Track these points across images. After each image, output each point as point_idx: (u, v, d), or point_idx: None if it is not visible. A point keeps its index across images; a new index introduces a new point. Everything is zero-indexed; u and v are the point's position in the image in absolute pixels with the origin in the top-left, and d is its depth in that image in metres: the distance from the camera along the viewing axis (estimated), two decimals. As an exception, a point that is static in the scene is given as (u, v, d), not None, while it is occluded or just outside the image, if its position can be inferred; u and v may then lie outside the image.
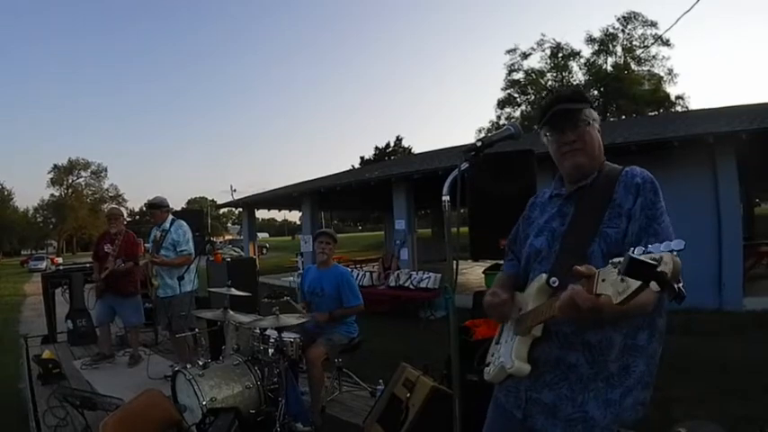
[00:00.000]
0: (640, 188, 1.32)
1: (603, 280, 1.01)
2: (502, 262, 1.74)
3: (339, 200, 15.35)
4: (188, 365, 3.16)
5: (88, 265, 6.10)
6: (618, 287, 0.95)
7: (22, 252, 54.32)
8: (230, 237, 48.27)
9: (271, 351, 3.12)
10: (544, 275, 1.34)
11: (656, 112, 26.82)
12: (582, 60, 31.82)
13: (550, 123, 1.45)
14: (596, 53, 31.17)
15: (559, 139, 1.44)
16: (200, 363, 3.11)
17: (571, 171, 1.45)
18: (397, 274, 9.54)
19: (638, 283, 0.91)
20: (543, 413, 1.35)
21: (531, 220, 1.58)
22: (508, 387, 1.46)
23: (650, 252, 0.91)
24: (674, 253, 0.90)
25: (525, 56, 32.26)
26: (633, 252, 0.92)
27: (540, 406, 1.36)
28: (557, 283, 1.30)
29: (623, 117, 26.58)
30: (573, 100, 1.44)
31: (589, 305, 1.05)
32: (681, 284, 0.93)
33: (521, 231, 1.63)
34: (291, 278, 13.81)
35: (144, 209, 62.84)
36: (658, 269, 0.88)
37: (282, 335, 3.15)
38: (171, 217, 4.65)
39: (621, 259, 0.95)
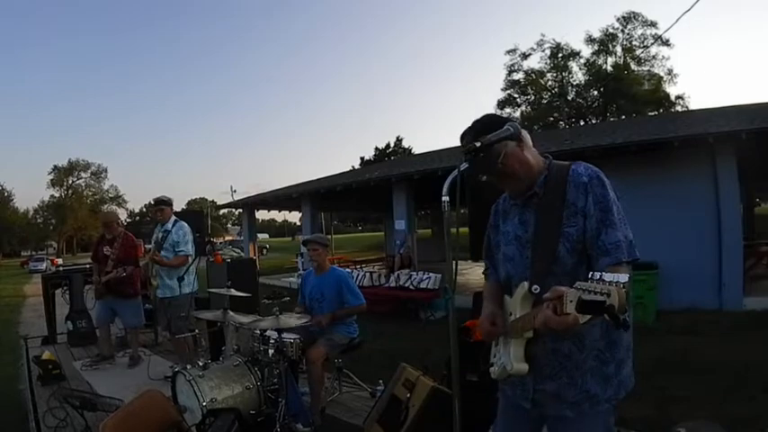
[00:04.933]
0: (588, 186, 1.41)
1: (571, 301, 1.11)
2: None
3: (339, 200, 15.34)
4: (188, 366, 3.16)
5: (88, 266, 6.09)
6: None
7: (22, 253, 54.25)
8: (230, 237, 48.28)
9: (271, 352, 3.12)
10: (526, 284, 1.45)
11: (656, 112, 26.83)
12: (582, 60, 31.87)
13: (474, 175, 1.49)
14: (596, 53, 31.20)
15: (488, 179, 1.51)
16: (200, 363, 3.11)
17: (514, 195, 1.57)
18: (398, 275, 9.53)
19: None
20: (551, 400, 1.49)
21: (497, 228, 1.68)
22: (514, 382, 1.58)
23: (603, 280, 1.03)
24: (621, 285, 1.01)
25: (525, 56, 32.32)
26: (591, 278, 1.04)
27: (547, 395, 1.49)
28: (538, 290, 1.40)
29: (623, 117, 26.60)
30: (475, 151, 1.42)
31: (562, 327, 1.16)
32: (627, 314, 1.04)
33: (492, 240, 1.72)
34: (292, 279, 13.82)
35: (144, 209, 63.05)
36: (607, 304, 0.99)
37: (282, 335, 3.15)
38: (174, 218, 4.65)
39: (584, 285, 1.06)
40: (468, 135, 1.50)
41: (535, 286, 1.41)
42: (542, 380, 1.48)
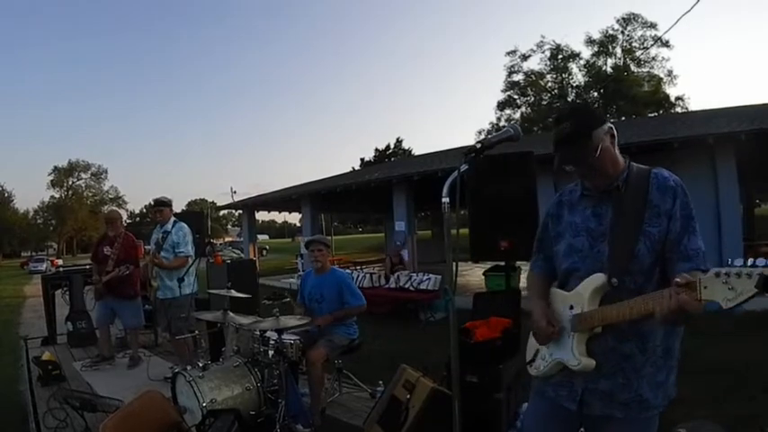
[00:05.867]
0: (677, 191, 1.43)
1: (705, 287, 1.11)
2: (502, 263, 1.79)
3: (339, 201, 15.35)
4: (188, 367, 3.16)
5: (88, 266, 6.09)
6: (726, 294, 1.06)
7: (22, 254, 54.16)
8: (230, 239, 48.25)
9: (271, 353, 3.12)
10: (602, 276, 1.42)
11: (656, 114, 26.84)
12: (581, 62, 31.94)
13: (562, 164, 1.47)
14: (596, 55, 31.27)
15: (575, 170, 1.51)
16: (200, 364, 3.11)
17: (593, 188, 1.53)
18: (398, 276, 9.53)
19: (753, 292, 1.02)
20: (601, 400, 1.46)
21: (560, 219, 1.62)
22: (560, 382, 1.54)
23: (756, 265, 1.04)
24: None
25: (525, 57, 32.39)
26: (732, 264, 1.06)
27: (598, 394, 1.47)
28: (617, 283, 1.40)
29: (623, 118, 26.57)
30: (573, 139, 1.43)
31: (699, 311, 1.14)
32: None
33: (550, 230, 1.66)
34: (292, 280, 13.82)
35: (144, 210, 62.99)
36: None
37: (282, 336, 3.15)
38: (173, 219, 4.66)
39: (728, 270, 1.06)
40: (567, 121, 1.46)
41: (614, 279, 1.40)
42: (597, 378, 1.45)
